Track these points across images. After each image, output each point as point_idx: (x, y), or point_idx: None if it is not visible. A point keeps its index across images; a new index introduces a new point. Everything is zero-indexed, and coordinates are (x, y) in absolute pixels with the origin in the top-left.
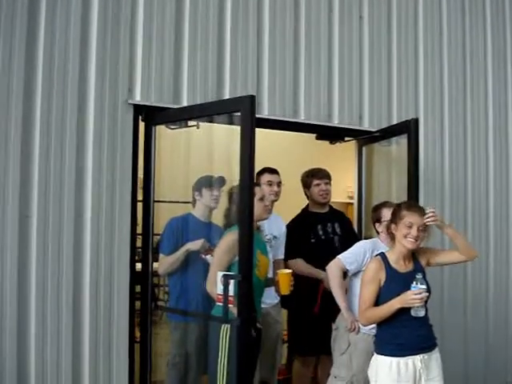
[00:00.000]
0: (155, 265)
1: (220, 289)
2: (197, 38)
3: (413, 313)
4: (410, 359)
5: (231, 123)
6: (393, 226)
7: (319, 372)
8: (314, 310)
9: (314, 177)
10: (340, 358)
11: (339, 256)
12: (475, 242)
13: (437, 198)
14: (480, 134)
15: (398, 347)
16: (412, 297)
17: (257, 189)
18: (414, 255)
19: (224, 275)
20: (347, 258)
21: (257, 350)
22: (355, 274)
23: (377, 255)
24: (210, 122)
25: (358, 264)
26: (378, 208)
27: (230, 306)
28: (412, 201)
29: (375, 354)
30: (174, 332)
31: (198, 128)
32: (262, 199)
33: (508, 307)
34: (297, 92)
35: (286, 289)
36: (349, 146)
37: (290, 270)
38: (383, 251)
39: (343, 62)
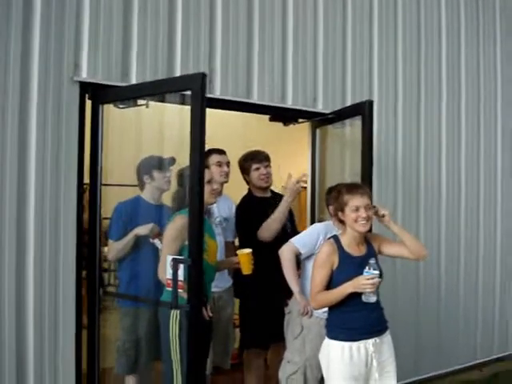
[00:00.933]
0: (105, 249)
1: (169, 273)
2: (147, 13)
3: (364, 298)
4: (361, 343)
5: (182, 103)
6: (339, 213)
7: (269, 358)
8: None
9: (253, 160)
10: (293, 342)
11: (291, 239)
12: (427, 224)
13: (390, 180)
14: (433, 117)
15: (350, 332)
16: (364, 282)
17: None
18: (366, 239)
19: (173, 259)
20: (300, 241)
21: (208, 336)
22: (308, 257)
23: (329, 238)
24: (161, 101)
25: (311, 247)
26: (329, 191)
27: (179, 291)
28: (351, 182)
29: (326, 339)
30: (123, 318)
31: (147, 107)
32: (209, 182)
33: (459, 291)
34: (250, 72)
35: (247, 268)
36: (303, 128)
37: (250, 250)
38: (336, 234)
39: (297, 43)
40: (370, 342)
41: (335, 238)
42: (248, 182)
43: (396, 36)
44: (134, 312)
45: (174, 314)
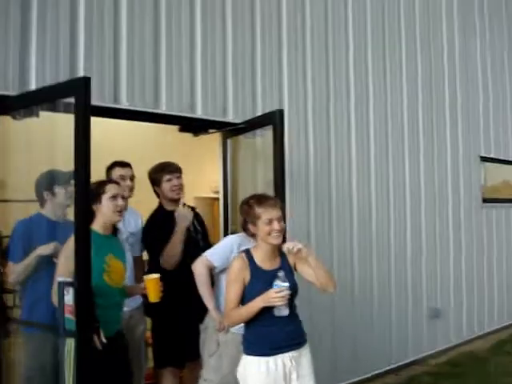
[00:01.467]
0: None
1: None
2: (46, 13)
3: (276, 312)
4: (279, 358)
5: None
6: (250, 226)
7: (185, 376)
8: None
9: (164, 171)
10: (209, 360)
11: (205, 253)
12: (340, 232)
13: (302, 190)
14: (343, 125)
15: (266, 346)
16: (273, 295)
17: (109, 186)
18: (281, 252)
19: (59, 282)
20: (213, 254)
21: (126, 359)
22: (222, 271)
23: (242, 252)
24: (52, 110)
25: (225, 260)
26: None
27: (68, 316)
28: (260, 194)
29: (243, 355)
30: (26, 344)
31: (37, 117)
32: (114, 197)
33: (373, 297)
34: (158, 82)
35: (155, 296)
36: (214, 139)
37: (158, 275)
38: (248, 248)
39: (206, 53)
40: (288, 355)
41: (247, 251)
42: (158, 195)
43: (304, 44)
44: (37, 337)
45: (69, 342)
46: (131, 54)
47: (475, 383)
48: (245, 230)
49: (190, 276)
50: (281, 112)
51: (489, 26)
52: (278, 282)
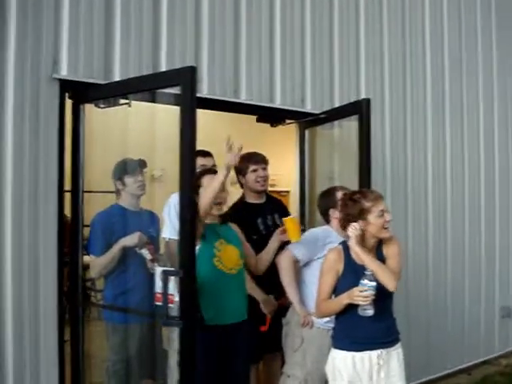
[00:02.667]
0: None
1: (159, 286)
2: (129, 5)
3: (360, 312)
4: (365, 354)
5: (168, 101)
6: (360, 221)
7: (263, 368)
8: (260, 329)
9: (250, 161)
10: (293, 355)
11: (289, 246)
12: (415, 219)
13: (378, 183)
14: (419, 118)
15: (354, 340)
16: (357, 293)
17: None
18: (379, 246)
19: (163, 271)
20: (298, 247)
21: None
22: (306, 264)
23: (339, 243)
24: (145, 100)
25: (310, 254)
26: (328, 193)
27: (170, 305)
28: (360, 189)
29: (332, 349)
30: (111, 336)
31: (129, 106)
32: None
33: (446, 297)
34: (238, 71)
35: (296, 235)
36: (286, 131)
37: (295, 215)
38: (345, 240)
39: (285, 42)
40: (375, 353)
41: (344, 244)
42: (242, 185)
43: (382, 33)
44: (123, 329)
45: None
46: (212, 45)
47: None
48: (344, 227)
49: (272, 269)
50: (368, 101)
51: None
52: (363, 281)
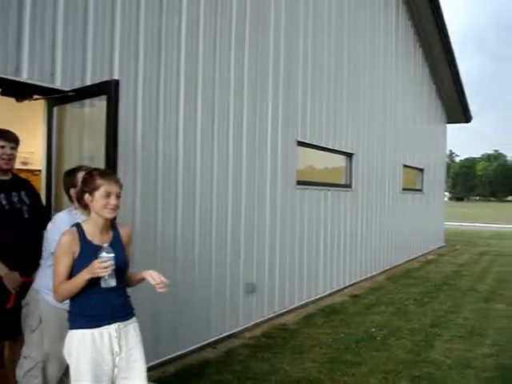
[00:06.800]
0: None
1: None
2: None
3: (102, 283)
4: (104, 329)
5: None
6: (86, 196)
7: (7, 354)
8: (5, 306)
9: None
10: (31, 336)
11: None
12: (164, 197)
13: (130, 161)
14: (172, 96)
15: (91, 318)
16: (97, 265)
17: None
18: (114, 226)
19: None
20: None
21: None
22: None
23: (72, 226)
24: None
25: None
26: (72, 172)
27: None
28: (103, 168)
29: (69, 331)
30: None
31: None
32: None
33: (194, 272)
34: None
35: None
36: (40, 107)
37: None
38: (79, 222)
39: (35, 11)
40: (113, 327)
41: (78, 226)
42: None
43: (138, 12)
44: None
45: None
46: None
47: (289, 354)
48: (79, 200)
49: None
50: (117, 82)
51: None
52: (102, 253)
